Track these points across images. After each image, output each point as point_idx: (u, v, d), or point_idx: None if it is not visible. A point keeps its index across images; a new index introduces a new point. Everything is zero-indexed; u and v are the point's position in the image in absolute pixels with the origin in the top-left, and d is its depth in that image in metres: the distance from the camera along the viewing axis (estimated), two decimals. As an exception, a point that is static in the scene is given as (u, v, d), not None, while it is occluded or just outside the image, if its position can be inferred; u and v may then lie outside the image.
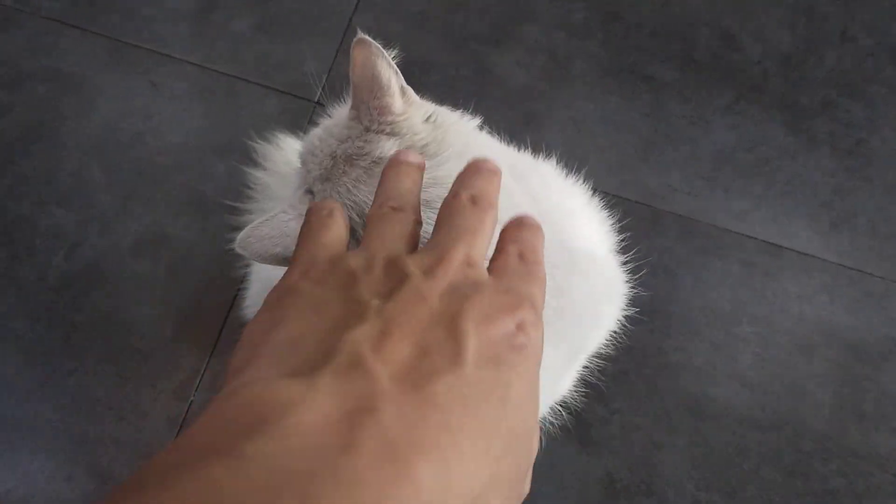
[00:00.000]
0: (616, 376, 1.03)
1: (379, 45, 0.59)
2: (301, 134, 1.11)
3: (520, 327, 0.33)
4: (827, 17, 1.25)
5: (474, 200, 0.38)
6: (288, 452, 0.25)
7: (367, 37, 0.58)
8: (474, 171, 0.40)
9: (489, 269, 0.37)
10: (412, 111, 0.60)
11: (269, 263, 0.54)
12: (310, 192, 0.58)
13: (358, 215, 0.54)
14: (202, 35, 1.19)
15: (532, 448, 0.34)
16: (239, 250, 0.53)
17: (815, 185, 1.15)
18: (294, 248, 0.40)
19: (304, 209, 0.52)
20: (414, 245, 0.38)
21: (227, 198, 1.08)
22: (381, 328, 0.31)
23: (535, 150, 1.13)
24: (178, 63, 1.17)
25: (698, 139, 1.17)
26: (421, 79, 1.18)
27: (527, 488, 0.35)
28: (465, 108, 1.15)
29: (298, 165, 0.63)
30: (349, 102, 0.61)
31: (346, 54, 1.18)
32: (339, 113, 0.63)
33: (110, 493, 0.24)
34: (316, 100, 1.16)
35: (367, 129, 0.58)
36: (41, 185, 1.10)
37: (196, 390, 1.01)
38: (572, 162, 1.14)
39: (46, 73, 1.16)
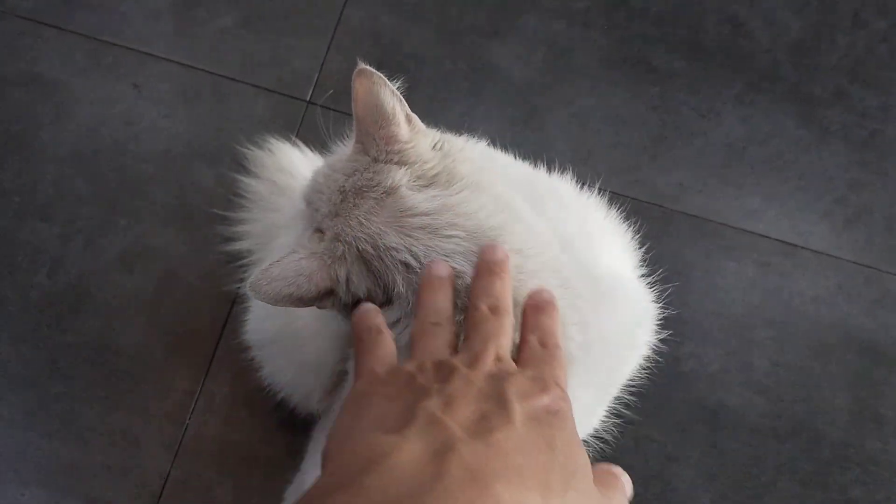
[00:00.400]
0: (628, 387, 0.99)
1: (381, 75, 0.58)
2: (293, 137, 1.06)
3: (555, 405, 0.41)
4: (837, 0, 1.20)
5: (493, 310, 0.47)
6: (395, 482, 0.33)
7: (367, 66, 0.57)
8: (486, 272, 0.49)
9: (517, 361, 0.46)
10: (419, 139, 0.59)
11: (283, 305, 0.54)
12: (319, 230, 0.57)
13: (373, 248, 0.53)
14: (185, 32, 1.12)
15: (591, 487, 0.41)
16: (251, 294, 0.53)
17: (829, 180, 1.11)
18: (307, 287, 0.53)
19: (315, 247, 0.55)
20: (454, 351, 0.46)
21: (217, 207, 1.02)
22: (445, 400, 0.39)
23: (540, 152, 1.09)
24: (160, 62, 1.11)
25: (708, 133, 1.12)
26: (416, 74, 1.12)
27: None
28: (462, 106, 1.10)
29: (302, 207, 0.62)
30: (353, 137, 0.60)
31: (338, 50, 1.13)
32: (341, 149, 0.63)
33: None
34: (308, 99, 1.10)
35: (376, 160, 0.58)
36: (20, 196, 1.04)
37: (191, 413, 0.96)
38: (577, 161, 1.09)
39: (22, 76, 1.09)
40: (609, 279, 0.65)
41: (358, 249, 0.53)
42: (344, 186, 0.57)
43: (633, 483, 0.95)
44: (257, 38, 1.13)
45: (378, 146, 0.58)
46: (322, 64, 1.12)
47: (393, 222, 0.54)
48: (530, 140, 1.10)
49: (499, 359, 0.44)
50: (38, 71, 1.10)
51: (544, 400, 0.41)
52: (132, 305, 1.00)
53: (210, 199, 1.04)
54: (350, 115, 1.09)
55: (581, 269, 0.59)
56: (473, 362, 0.43)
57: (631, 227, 0.82)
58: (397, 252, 0.53)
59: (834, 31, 1.18)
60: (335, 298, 0.55)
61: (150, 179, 1.05)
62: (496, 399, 0.40)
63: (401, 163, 0.57)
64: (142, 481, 0.94)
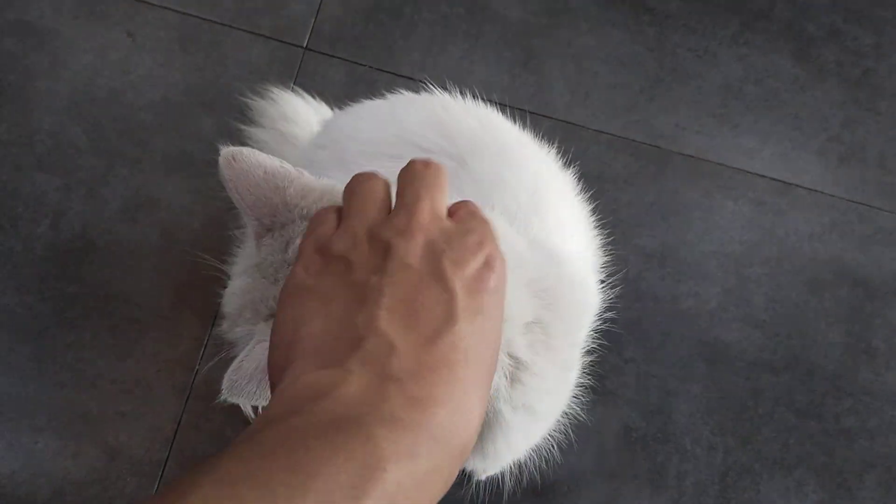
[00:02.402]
0: (628, 325, 1.02)
1: (249, 149, 0.50)
2: (292, 85, 1.05)
3: (487, 263, 0.40)
4: (832, -63, 1.20)
5: (426, 164, 0.43)
6: (344, 406, 0.33)
7: (230, 148, 0.50)
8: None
9: (449, 216, 0.43)
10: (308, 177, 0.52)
11: (267, 399, 0.47)
12: (267, 318, 0.50)
13: None
14: (177, -22, 1.11)
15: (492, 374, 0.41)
16: (232, 399, 0.47)
17: (823, 119, 1.12)
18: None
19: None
20: (388, 206, 0.43)
21: (218, 154, 1.02)
22: (386, 305, 0.37)
23: (538, 94, 1.09)
24: (153, 9, 1.09)
25: (705, 73, 1.12)
26: (413, 18, 1.12)
27: None
28: (460, 50, 1.10)
29: (234, 326, 0.53)
30: (249, 232, 0.53)
31: (333, -5, 1.11)
32: (242, 261, 0.56)
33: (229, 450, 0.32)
34: (305, 45, 1.09)
35: (297, 219, 0.50)
36: (18, 148, 1.03)
37: (201, 359, 0.97)
38: (575, 103, 1.10)
39: (12, 26, 1.07)
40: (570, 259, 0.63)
41: None
42: (269, 270, 0.50)
43: (634, 418, 0.97)
44: (251, -17, 1.11)
45: (294, 206, 0.50)
46: (318, 9, 1.11)
47: None
48: (528, 83, 1.10)
49: (434, 216, 0.41)
50: (28, 19, 1.08)
51: (479, 261, 0.40)
52: (137, 255, 1.00)
53: (210, 147, 1.04)
54: (349, 61, 1.09)
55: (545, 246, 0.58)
56: (408, 226, 0.40)
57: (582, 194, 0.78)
58: None
59: (828, -31, 1.18)
60: None
61: (150, 128, 1.05)
62: (436, 282, 0.38)
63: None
64: (155, 426, 0.95)
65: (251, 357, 0.47)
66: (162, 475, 0.94)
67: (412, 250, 0.39)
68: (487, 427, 0.53)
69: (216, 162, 1.04)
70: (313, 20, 1.10)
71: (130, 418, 0.95)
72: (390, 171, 0.50)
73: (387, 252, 0.39)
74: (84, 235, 1.01)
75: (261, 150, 0.98)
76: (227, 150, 0.50)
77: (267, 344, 0.45)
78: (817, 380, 1.02)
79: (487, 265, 0.40)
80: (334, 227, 0.42)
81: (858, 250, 1.07)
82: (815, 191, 1.09)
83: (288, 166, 0.51)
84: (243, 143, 1.00)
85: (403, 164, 0.60)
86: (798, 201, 1.08)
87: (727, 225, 1.07)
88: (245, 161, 0.50)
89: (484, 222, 0.42)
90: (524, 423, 0.54)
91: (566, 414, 0.70)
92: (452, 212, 0.44)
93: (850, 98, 1.13)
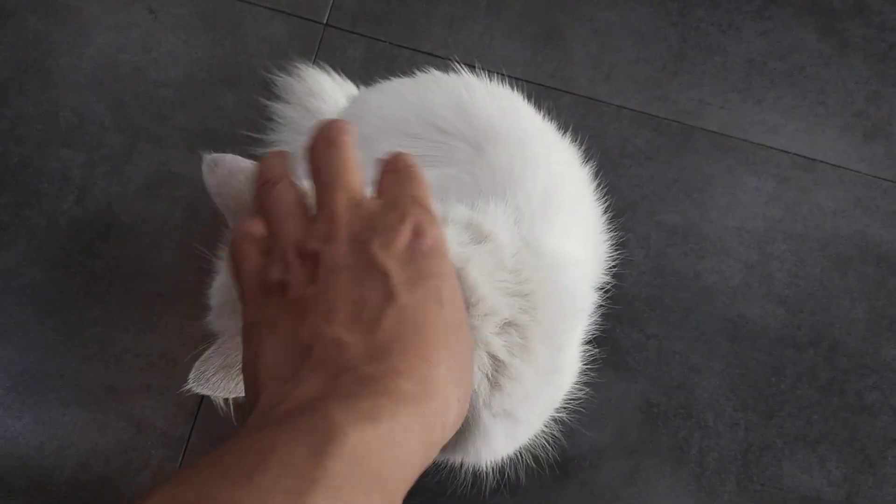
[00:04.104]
0: (650, 301, 1.02)
1: (231, 156, 0.51)
2: (315, 59, 1.05)
3: (416, 232, 0.40)
4: (859, -90, 1.18)
5: (328, 143, 0.43)
6: (298, 402, 0.34)
7: (212, 155, 0.50)
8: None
9: (376, 187, 0.43)
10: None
11: (236, 393, 0.49)
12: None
13: None
14: (198, -46, 1.11)
15: (468, 337, 0.41)
16: (197, 389, 0.49)
17: (848, 94, 1.11)
18: None
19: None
20: (304, 207, 0.43)
21: (242, 129, 1.02)
22: (325, 310, 0.38)
23: (560, 69, 1.08)
24: (175, -14, 1.09)
25: (729, 48, 1.11)
26: (434, -6, 1.11)
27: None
28: (481, 25, 1.09)
29: (217, 318, 0.56)
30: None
31: (353, -30, 1.11)
32: (218, 278, 0.57)
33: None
34: (325, 21, 1.09)
35: None
36: (42, 125, 1.04)
37: (224, 334, 0.98)
38: (598, 79, 1.09)
39: (36, 4, 1.08)
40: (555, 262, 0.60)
41: None
42: None
43: (656, 394, 0.97)
44: (272, -40, 1.11)
45: None
46: (338, -15, 1.11)
47: None
48: (550, 58, 1.10)
49: (353, 203, 0.41)
50: (51, -3, 1.08)
51: (406, 234, 0.40)
52: (161, 230, 1.01)
53: (233, 123, 1.04)
54: (369, 38, 1.09)
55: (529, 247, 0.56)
56: (330, 228, 0.40)
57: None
58: None
59: (854, -57, 1.17)
60: None
61: (172, 105, 1.05)
62: (368, 270, 0.38)
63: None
64: (179, 400, 0.96)
65: (219, 351, 0.49)
66: (186, 448, 0.95)
67: (338, 250, 0.39)
68: (467, 427, 0.52)
69: (239, 138, 1.05)
70: (334, -4, 1.10)
71: (155, 392, 0.96)
72: (408, 149, 0.50)
73: (316, 261, 0.40)
74: (108, 211, 1.01)
75: (286, 124, 0.98)
76: (209, 157, 0.50)
77: (236, 341, 0.48)
78: (840, 356, 1.02)
79: (416, 233, 0.40)
80: (258, 254, 0.42)
81: (882, 226, 1.06)
82: (839, 167, 1.08)
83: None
84: (269, 119, 1.01)
85: (423, 143, 0.58)
86: (822, 177, 1.07)
87: (750, 201, 1.06)
88: (226, 167, 0.51)
89: (408, 186, 0.42)
90: (505, 429, 0.54)
91: (585, 387, 0.69)
92: (379, 182, 0.44)
93: (875, 73, 1.11)
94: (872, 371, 1.01)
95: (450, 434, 0.39)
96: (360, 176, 0.43)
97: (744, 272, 1.04)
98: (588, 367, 0.67)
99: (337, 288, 0.38)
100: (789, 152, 1.08)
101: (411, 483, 0.35)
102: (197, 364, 0.49)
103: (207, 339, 0.97)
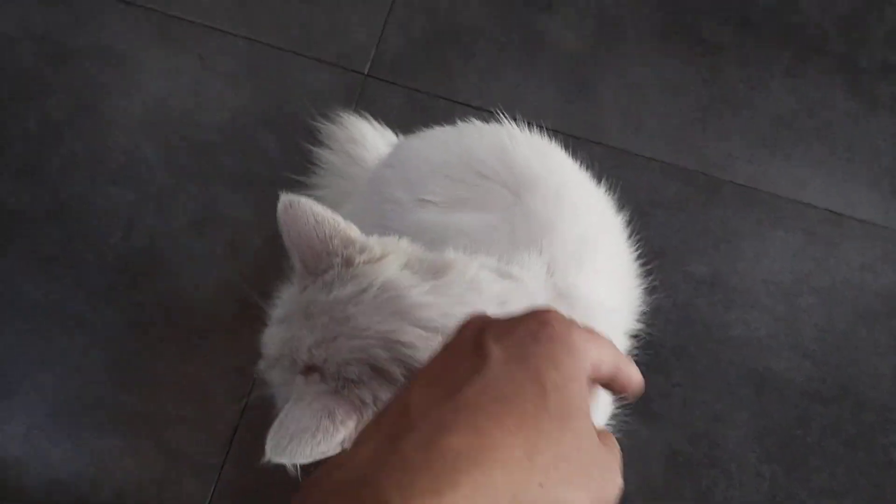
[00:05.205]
0: (676, 350, 1.03)
1: (306, 199, 0.55)
2: (355, 107, 1.10)
3: (542, 323, 0.36)
4: (888, -28, 1.21)
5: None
6: (354, 471, 0.32)
7: (289, 196, 0.54)
8: None
9: None
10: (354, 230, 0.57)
11: (309, 460, 0.48)
12: (308, 368, 0.52)
13: (385, 348, 0.50)
14: (246, 5, 1.16)
15: (591, 430, 0.36)
16: (277, 460, 0.48)
17: (876, 150, 1.12)
18: (333, 429, 0.47)
19: (317, 387, 0.50)
20: None
21: (285, 171, 1.06)
22: (417, 384, 0.36)
23: (592, 122, 1.12)
24: (224, 36, 1.15)
25: (758, 104, 1.14)
26: (470, 46, 1.15)
27: (618, 480, 0.38)
28: (515, 77, 1.13)
29: (271, 369, 0.58)
30: (295, 276, 0.57)
31: (395, 23, 1.16)
32: (285, 305, 0.59)
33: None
34: (366, 72, 1.14)
35: (348, 265, 0.54)
36: (93, 163, 1.09)
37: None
38: (628, 131, 1.12)
39: (92, 49, 1.14)
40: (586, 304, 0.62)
41: (371, 358, 0.50)
42: (311, 310, 0.53)
43: (681, 441, 0.98)
44: (316, 12, 1.16)
45: (336, 255, 0.54)
46: (380, 37, 1.16)
47: (401, 315, 0.51)
48: (582, 110, 1.13)
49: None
50: (107, 43, 1.14)
51: (531, 325, 0.36)
52: (202, 267, 1.05)
53: (276, 166, 1.08)
54: (408, 88, 1.13)
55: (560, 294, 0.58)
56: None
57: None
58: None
59: (883, 3, 1.19)
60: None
61: (218, 148, 1.10)
62: (473, 349, 0.36)
63: (370, 261, 0.54)
64: (213, 430, 0.99)
65: (291, 416, 0.48)
66: (219, 478, 0.97)
67: (461, 335, 0.38)
68: None
69: (280, 181, 1.09)
70: (374, 48, 1.15)
71: (191, 423, 0.99)
72: (450, 192, 0.53)
73: None
74: (153, 247, 1.06)
75: (329, 169, 1.02)
76: (285, 198, 0.53)
77: (309, 401, 0.49)
78: (866, 411, 1.02)
79: (542, 325, 0.36)
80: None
81: (911, 282, 1.07)
82: (868, 222, 1.09)
83: (339, 218, 0.55)
84: (311, 163, 1.05)
85: (464, 187, 0.59)
86: (850, 232, 1.09)
87: (778, 254, 1.07)
88: (300, 209, 0.54)
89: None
90: None
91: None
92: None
93: (904, 131, 1.13)
94: (899, 427, 1.01)
95: None
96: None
97: (770, 324, 1.05)
98: (617, 412, 0.69)
99: (438, 364, 0.37)
100: (817, 207, 1.09)
101: None
102: (271, 435, 0.48)
103: (239, 371, 1.00)
